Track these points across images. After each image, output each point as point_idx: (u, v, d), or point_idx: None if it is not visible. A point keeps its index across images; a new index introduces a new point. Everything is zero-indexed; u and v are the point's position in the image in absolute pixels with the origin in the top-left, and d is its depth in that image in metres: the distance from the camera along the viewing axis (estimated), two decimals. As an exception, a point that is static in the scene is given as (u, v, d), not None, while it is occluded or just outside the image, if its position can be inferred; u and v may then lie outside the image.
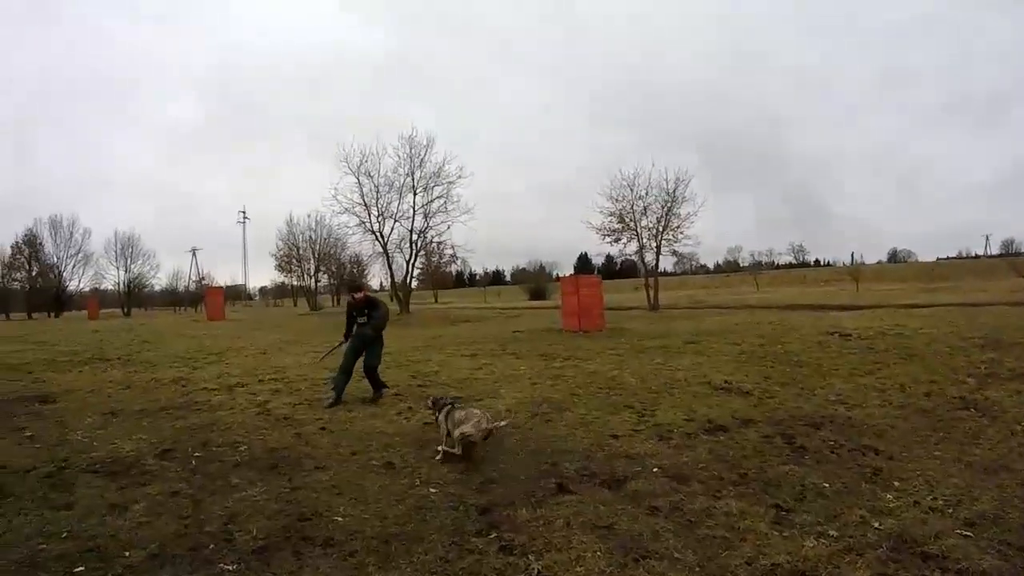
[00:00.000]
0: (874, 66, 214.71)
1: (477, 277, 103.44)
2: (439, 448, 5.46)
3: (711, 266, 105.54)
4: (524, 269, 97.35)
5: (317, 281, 53.50)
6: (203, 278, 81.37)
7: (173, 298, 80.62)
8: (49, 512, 4.16)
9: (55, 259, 57.53)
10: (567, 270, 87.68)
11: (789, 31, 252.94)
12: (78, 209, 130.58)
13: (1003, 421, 6.03)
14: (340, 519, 4.01)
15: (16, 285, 56.85)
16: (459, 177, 31.46)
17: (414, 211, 31.94)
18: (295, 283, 59.84)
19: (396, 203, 32.17)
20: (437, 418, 5.78)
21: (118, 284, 62.00)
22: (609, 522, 3.81)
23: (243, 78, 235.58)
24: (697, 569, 3.19)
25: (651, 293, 29.41)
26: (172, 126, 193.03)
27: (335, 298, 61.13)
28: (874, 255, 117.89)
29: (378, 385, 8.09)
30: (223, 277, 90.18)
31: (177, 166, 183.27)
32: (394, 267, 33.87)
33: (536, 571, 3.23)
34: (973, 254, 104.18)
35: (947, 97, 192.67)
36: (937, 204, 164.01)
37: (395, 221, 32.35)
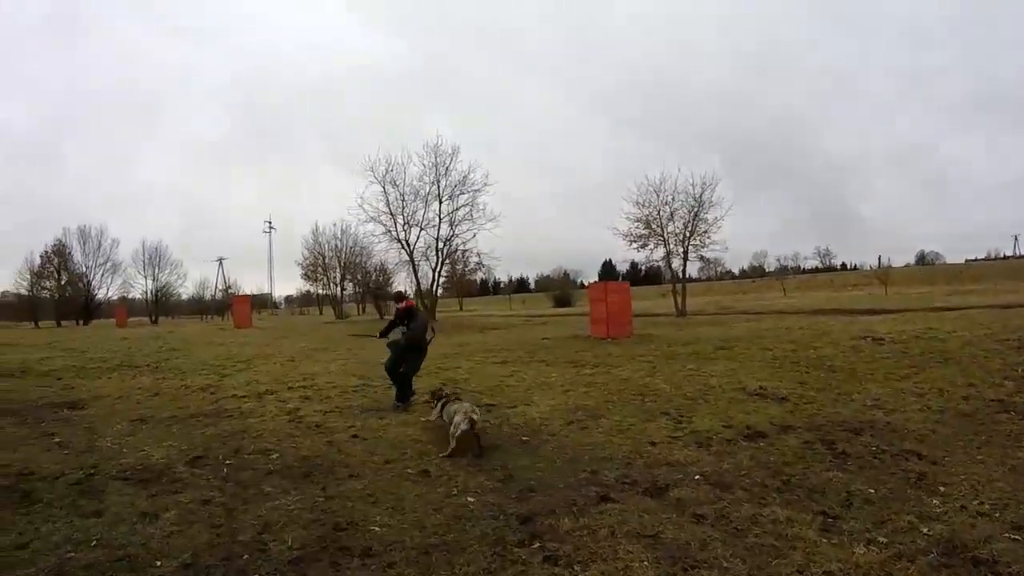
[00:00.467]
0: (900, 64, 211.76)
1: (501, 285, 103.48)
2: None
3: (736, 271, 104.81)
4: (548, 276, 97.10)
5: (343, 290, 53.64)
6: (229, 287, 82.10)
7: (200, 307, 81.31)
8: (78, 519, 4.06)
9: (84, 268, 58.23)
10: (591, 277, 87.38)
11: (813, 30, 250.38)
12: (106, 220, 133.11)
13: (1043, 424, 5.86)
14: (377, 529, 3.87)
15: (45, 294, 57.66)
16: (485, 185, 31.37)
17: (439, 219, 31.93)
18: (321, 292, 60.08)
19: (422, 211, 32.20)
20: (437, 410, 6.12)
21: (146, 293, 62.76)
22: (655, 531, 3.71)
23: (268, 90, 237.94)
24: (748, 579, 3.07)
25: (678, 299, 29.08)
26: (199, 138, 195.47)
27: (360, 306, 61.30)
28: (901, 258, 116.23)
29: (404, 395, 7.97)
30: (249, 286, 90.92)
31: (204, 177, 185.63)
32: (420, 275, 33.85)
33: (583, 582, 3.10)
34: (1002, 255, 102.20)
35: (974, 95, 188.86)
36: (964, 204, 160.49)
37: (421, 229, 32.36)
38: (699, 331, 17.67)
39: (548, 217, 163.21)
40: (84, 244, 57.87)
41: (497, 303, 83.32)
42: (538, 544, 3.57)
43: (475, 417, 5.67)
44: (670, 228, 28.77)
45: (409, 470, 5.12)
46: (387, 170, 31.66)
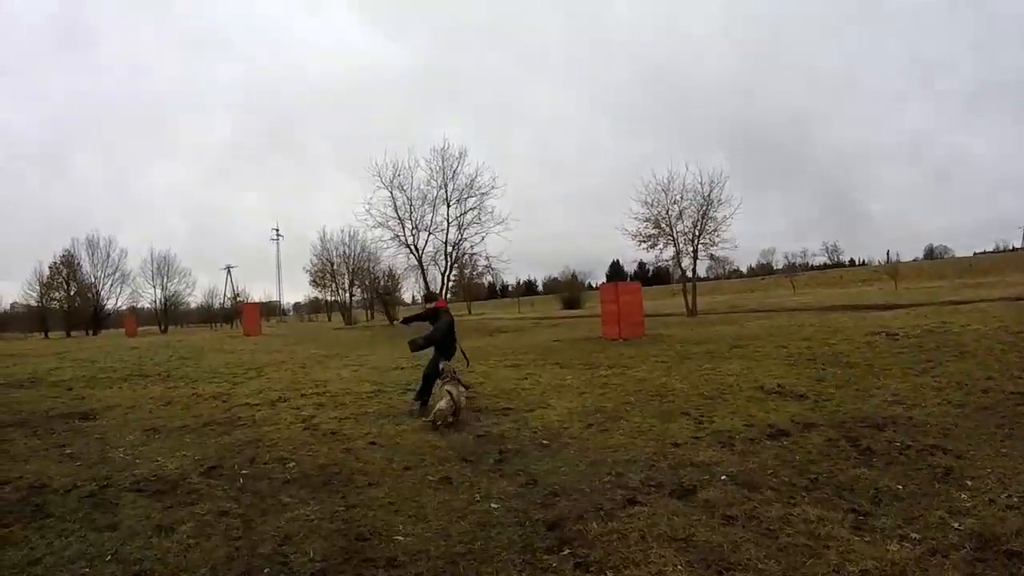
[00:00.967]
0: (905, 55, 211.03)
1: (510, 288, 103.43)
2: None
3: (744, 270, 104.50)
4: (556, 279, 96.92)
5: (351, 295, 53.64)
6: (238, 295, 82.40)
7: (208, 315, 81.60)
8: (92, 533, 3.94)
9: (92, 279, 58.58)
10: (599, 278, 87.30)
11: (821, 24, 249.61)
12: (115, 229, 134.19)
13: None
14: (401, 538, 3.75)
15: (55, 304, 57.93)
16: (492, 188, 31.23)
17: (448, 223, 31.85)
18: (329, 298, 60.17)
19: (430, 215, 32.08)
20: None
21: (154, 302, 62.98)
22: (686, 534, 3.62)
23: (274, 97, 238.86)
24: (783, 579, 3.04)
25: (689, 298, 28.94)
26: (206, 146, 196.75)
27: (369, 312, 61.30)
28: (909, 252, 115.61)
29: (422, 395, 7.88)
30: (257, 293, 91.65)
31: (211, 186, 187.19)
32: (428, 279, 33.75)
33: (617, 588, 3.01)
34: (1010, 247, 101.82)
35: (982, 84, 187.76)
36: (971, 196, 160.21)
37: (429, 234, 32.27)
38: (712, 330, 17.61)
39: (555, 219, 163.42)
40: (92, 254, 58.36)
41: (506, 306, 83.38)
42: (568, 550, 3.46)
43: (460, 403, 6.80)
44: (679, 227, 28.72)
45: (430, 477, 4.98)
46: (394, 175, 31.59)
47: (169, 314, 65.02)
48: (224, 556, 3.54)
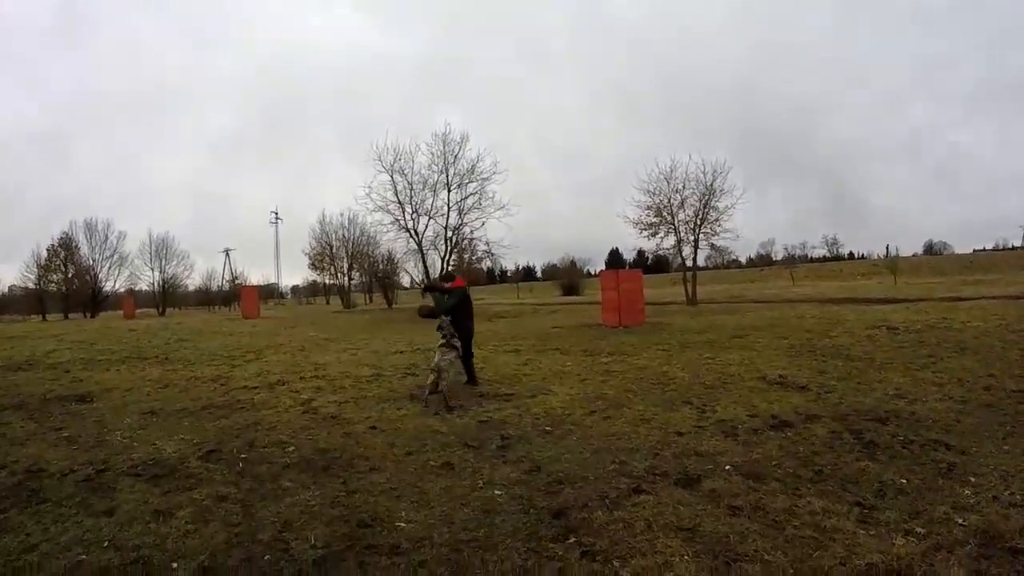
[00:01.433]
0: (909, 51, 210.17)
1: (508, 273, 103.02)
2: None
3: (743, 260, 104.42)
4: (555, 265, 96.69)
5: (350, 279, 53.54)
6: (236, 277, 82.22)
7: (207, 297, 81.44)
8: (89, 519, 3.88)
9: (91, 261, 58.38)
10: (599, 266, 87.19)
11: (825, 19, 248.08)
12: (115, 214, 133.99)
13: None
14: (404, 525, 3.69)
15: (52, 287, 57.77)
16: (494, 173, 30.98)
17: (448, 208, 31.66)
18: (328, 281, 60.06)
19: (430, 200, 31.84)
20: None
21: (153, 284, 62.72)
22: (692, 524, 3.58)
23: (277, 83, 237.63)
24: (791, 571, 3.04)
25: (689, 287, 28.87)
26: (207, 131, 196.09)
27: (368, 296, 61.22)
28: (909, 246, 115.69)
29: (472, 377, 8.48)
30: (256, 276, 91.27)
31: (211, 170, 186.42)
32: (428, 264, 33.61)
33: (625, 578, 2.98)
34: (1011, 245, 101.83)
35: (985, 82, 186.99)
36: (972, 194, 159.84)
37: (429, 218, 32.08)
38: (712, 319, 17.62)
39: (555, 206, 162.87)
40: (91, 237, 58.13)
41: (504, 291, 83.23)
42: (573, 539, 3.42)
43: (442, 379, 7.09)
44: (681, 216, 28.55)
45: (432, 462, 4.92)
46: (395, 159, 31.35)
47: (167, 297, 64.79)
48: (223, 542, 3.48)
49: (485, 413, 6.62)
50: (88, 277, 57.98)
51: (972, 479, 4.21)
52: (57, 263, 57.69)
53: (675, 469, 4.57)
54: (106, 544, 3.48)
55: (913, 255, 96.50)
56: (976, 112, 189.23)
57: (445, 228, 31.62)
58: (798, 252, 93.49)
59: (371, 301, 58.96)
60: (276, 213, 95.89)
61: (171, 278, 63.94)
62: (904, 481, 4.19)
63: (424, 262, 32.66)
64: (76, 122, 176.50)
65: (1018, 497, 3.85)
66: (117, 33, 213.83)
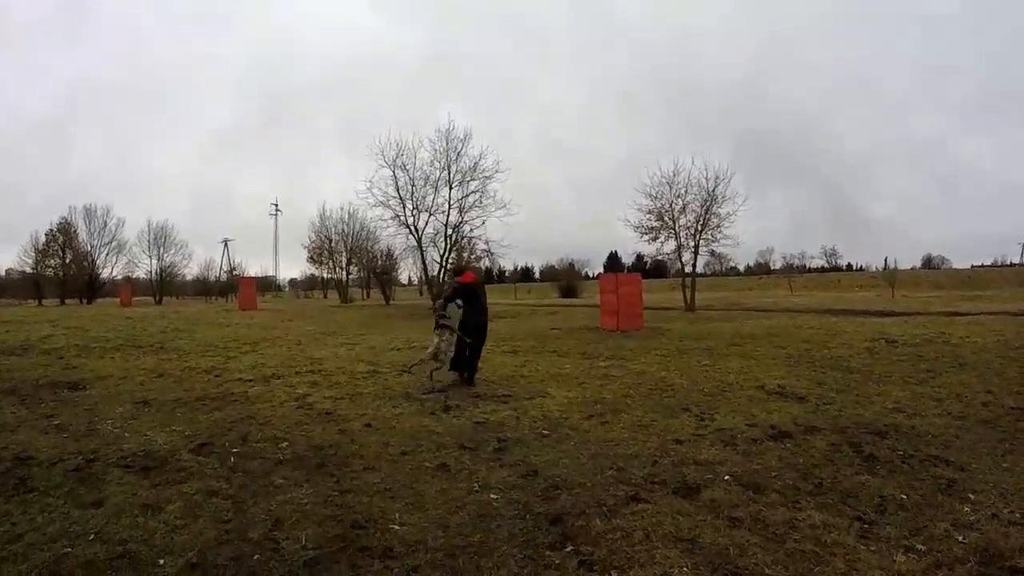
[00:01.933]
0: (913, 61, 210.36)
1: (507, 274, 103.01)
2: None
3: (742, 268, 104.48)
4: (553, 267, 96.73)
5: (348, 274, 53.46)
6: (234, 269, 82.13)
7: (204, 288, 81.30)
8: (76, 510, 3.81)
9: (88, 247, 58.23)
10: (597, 268, 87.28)
11: (826, 26, 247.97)
12: (115, 202, 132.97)
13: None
14: (397, 527, 3.61)
15: (49, 272, 57.59)
16: (496, 172, 30.93)
17: (449, 205, 31.59)
18: (326, 275, 60.00)
19: (431, 197, 31.81)
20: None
21: (150, 272, 62.59)
22: (691, 534, 3.52)
23: (279, 75, 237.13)
24: (792, 587, 3.00)
25: (687, 293, 28.83)
26: (208, 122, 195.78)
27: (365, 291, 61.13)
28: (907, 259, 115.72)
29: (456, 364, 8.34)
30: (254, 268, 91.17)
31: (211, 159, 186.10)
32: (427, 261, 33.55)
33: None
34: (1009, 262, 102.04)
35: (987, 94, 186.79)
36: (972, 209, 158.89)
37: (430, 215, 32.03)
38: (710, 326, 17.62)
39: (555, 207, 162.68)
40: (89, 223, 58.00)
41: (502, 291, 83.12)
42: (571, 547, 3.35)
43: (435, 360, 7.65)
44: (682, 221, 28.51)
45: (427, 463, 4.85)
46: (397, 155, 31.32)
47: (164, 286, 64.69)
48: (213, 539, 3.41)
49: (482, 414, 6.55)
50: (86, 263, 57.86)
51: (971, 496, 4.17)
52: (55, 248, 57.53)
53: (674, 477, 4.50)
54: (92, 537, 3.40)
55: (911, 268, 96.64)
56: (979, 125, 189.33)
57: (445, 225, 31.67)
58: (796, 262, 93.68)
59: (368, 296, 58.84)
60: (276, 205, 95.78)
61: (169, 267, 63.92)
62: (904, 496, 4.14)
63: (423, 259, 32.63)
64: (76, 110, 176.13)
65: (1017, 515, 3.81)
66: (118, 21, 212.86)
